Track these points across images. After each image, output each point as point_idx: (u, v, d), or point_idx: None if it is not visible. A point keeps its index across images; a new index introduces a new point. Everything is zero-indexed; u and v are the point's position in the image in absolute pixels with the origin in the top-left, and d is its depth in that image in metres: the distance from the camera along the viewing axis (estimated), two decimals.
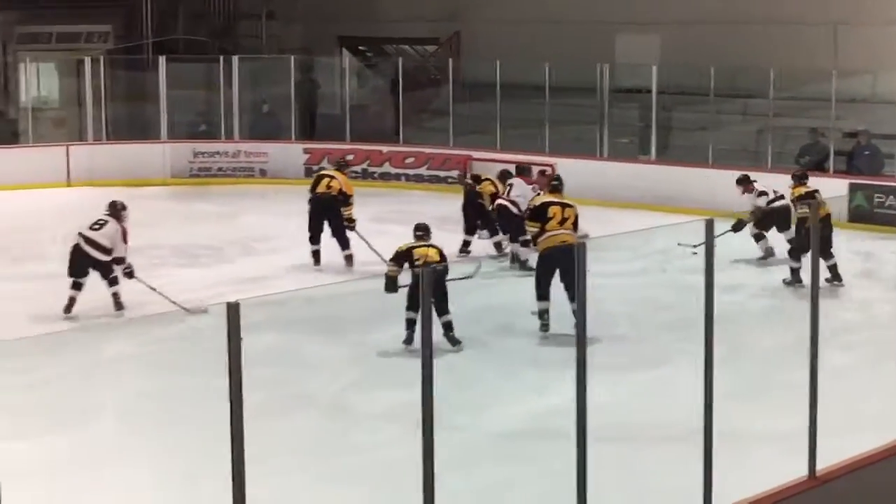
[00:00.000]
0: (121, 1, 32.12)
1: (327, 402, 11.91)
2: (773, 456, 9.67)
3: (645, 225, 19.77)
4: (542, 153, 23.12)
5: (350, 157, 21.12)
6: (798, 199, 16.32)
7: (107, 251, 15.27)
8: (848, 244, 18.47)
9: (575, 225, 14.66)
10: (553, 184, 15.99)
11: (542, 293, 14.10)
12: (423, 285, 6.75)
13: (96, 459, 10.25)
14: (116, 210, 15.80)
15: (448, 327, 13.28)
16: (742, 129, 24.68)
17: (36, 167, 25.48)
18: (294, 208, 21.57)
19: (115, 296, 15.39)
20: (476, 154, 23.13)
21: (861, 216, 20.24)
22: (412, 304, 13.09)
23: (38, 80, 29.60)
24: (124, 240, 15.49)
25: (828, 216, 15.16)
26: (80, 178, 25.67)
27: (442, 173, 24.80)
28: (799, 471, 8.63)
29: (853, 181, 20.81)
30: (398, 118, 26.73)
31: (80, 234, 15.39)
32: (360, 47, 33.10)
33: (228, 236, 20.18)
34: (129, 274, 15.43)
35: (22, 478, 9.12)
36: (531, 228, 14.95)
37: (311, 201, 18.22)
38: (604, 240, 17.75)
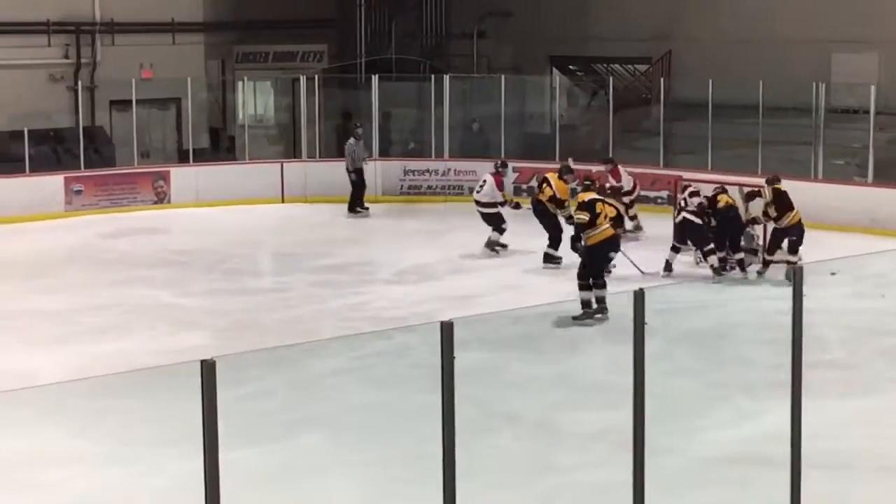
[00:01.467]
0: (335, 22, 32.77)
1: (533, 421, 11.90)
2: None
3: (858, 248, 19.36)
4: (753, 174, 22.75)
5: (570, 161, 21.02)
6: None
7: None
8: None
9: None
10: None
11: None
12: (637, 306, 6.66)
13: (307, 471, 10.42)
14: None
15: None
16: None
17: (251, 183, 26.14)
18: (513, 227, 21.67)
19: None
20: (686, 174, 22.81)
21: None
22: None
23: (254, 99, 30.35)
24: None
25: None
26: (293, 195, 26.24)
27: (651, 193, 24.59)
28: None
29: None
30: (608, 137, 26.59)
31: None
32: (570, 66, 33.08)
33: (437, 254, 20.34)
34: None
35: (239, 487, 9.34)
36: None
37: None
38: (818, 265, 17.42)
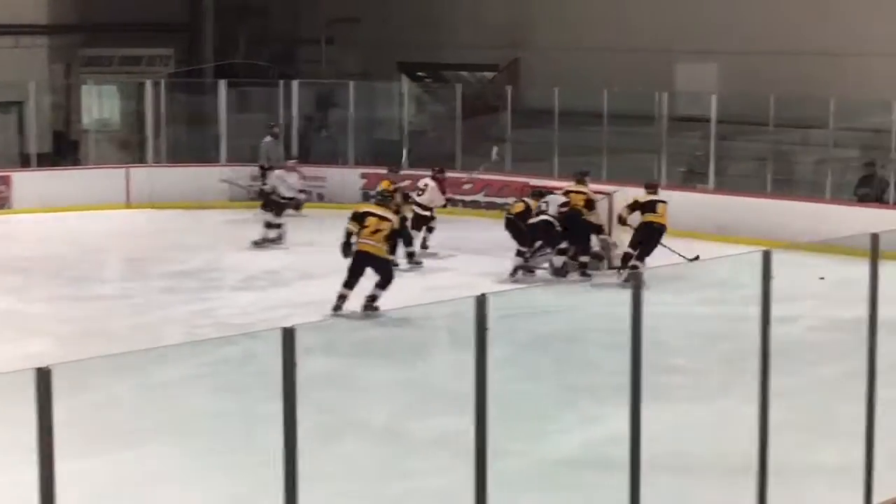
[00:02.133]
0: (183, 26, 32.46)
1: (380, 427, 11.91)
2: (828, 489, 9.60)
3: (702, 254, 19.73)
4: (599, 181, 23.05)
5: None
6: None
7: None
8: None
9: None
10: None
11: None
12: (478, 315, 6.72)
13: (151, 480, 10.30)
14: None
15: None
16: (801, 160, 24.53)
17: (96, 189, 25.72)
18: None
19: None
20: (533, 181, 23.07)
21: None
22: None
23: (99, 103, 29.90)
24: None
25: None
26: (139, 200, 25.91)
27: (499, 200, 24.77)
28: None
29: None
30: (456, 144, 26.73)
31: None
32: (419, 73, 33.21)
33: (286, 260, 20.25)
34: None
35: (85, 498, 9.21)
36: None
37: None
38: (662, 269, 17.73)
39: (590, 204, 19.24)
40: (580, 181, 19.74)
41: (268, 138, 25.41)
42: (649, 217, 18.76)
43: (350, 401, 12.70)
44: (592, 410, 12.08)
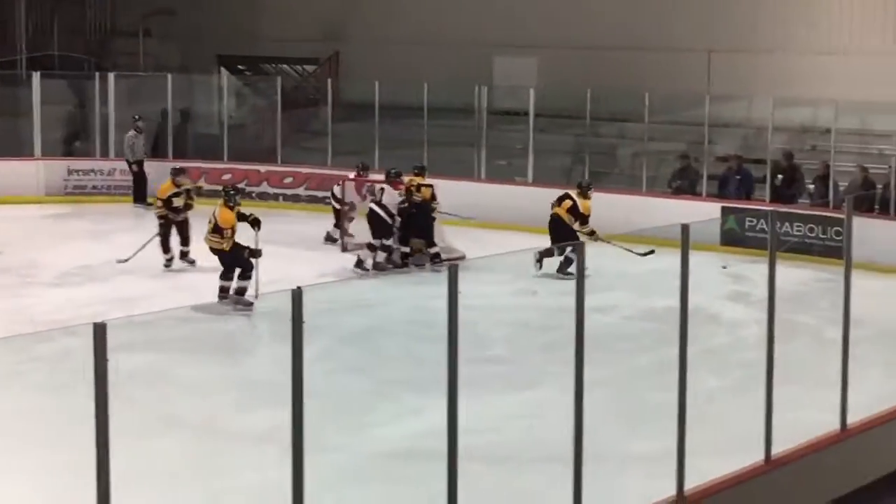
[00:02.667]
0: None
1: (199, 424, 11.80)
2: (643, 476, 9.80)
3: (522, 247, 19.96)
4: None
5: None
6: None
7: None
8: (720, 268, 18.81)
9: None
10: None
11: None
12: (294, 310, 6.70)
13: None
14: None
15: None
16: (618, 153, 24.96)
17: None
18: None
19: None
20: (353, 175, 23.09)
21: (733, 239, 20.57)
22: None
23: None
24: None
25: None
26: None
27: (320, 193, 24.73)
28: (668, 491, 8.76)
29: (725, 205, 21.15)
30: (277, 138, 26.59)
31: None
32: (239, 66, 32.95)
33: (102, 255, 19.90)
34: None
35: None
36: None
37: None
38: (479, 261, 17.90)
39: (434, 197, 19.36)
40: (420, 175, 19.82)
41: (131, 132, 25.02)
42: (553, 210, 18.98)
43: (168, 397, 12.57)
44: (412, 403, 12.13)
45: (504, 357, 14.37)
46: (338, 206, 21.26)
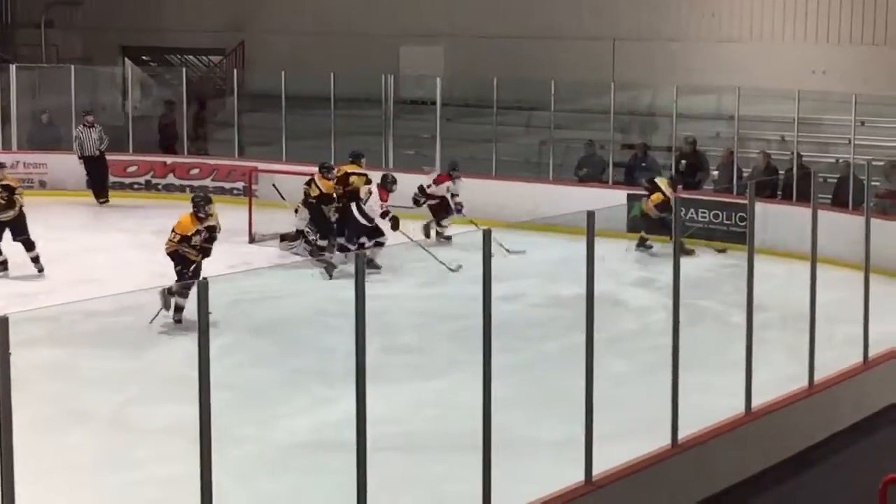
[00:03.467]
0: None
1: (107, 418, 11.73)
2: (552, 462, 9.89)
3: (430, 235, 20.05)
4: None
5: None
6: None
7: None
8: (626, 254, 18.99)
9: None
10: None
11: None
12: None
13: None
14: None
15: None
16: (525, 141, 25.08)
17: None
18: (73, 221, 21.24)
19: None
20: (262, 165, 23.00)
21: (638, 226, 20.76)
22: None
23: None
24: None
25: None
26: None
27: (227, 184, 24.61)
28: (577, 476, 8.85)
29: (631, 192, 21.33)
30: (182, 129, 26.40)
31: None
32: (144, 57, 32.68)
33: (3, 250, 19.62)
34: None
35: None
36: None
37: None
38: (391, 249, 17.95)
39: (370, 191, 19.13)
40: (356, 163, 19.73)
41: (80, 127, 24.61)
42: None
43: (74, 391, 12.47)
44: (323, 393, 12.15)
45: (413, 346, 14.42)
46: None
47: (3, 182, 18.31)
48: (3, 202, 18.11)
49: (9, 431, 5.82)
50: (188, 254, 15.35)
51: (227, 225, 21.00)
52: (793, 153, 21.11)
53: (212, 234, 15.66)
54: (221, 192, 24.45)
